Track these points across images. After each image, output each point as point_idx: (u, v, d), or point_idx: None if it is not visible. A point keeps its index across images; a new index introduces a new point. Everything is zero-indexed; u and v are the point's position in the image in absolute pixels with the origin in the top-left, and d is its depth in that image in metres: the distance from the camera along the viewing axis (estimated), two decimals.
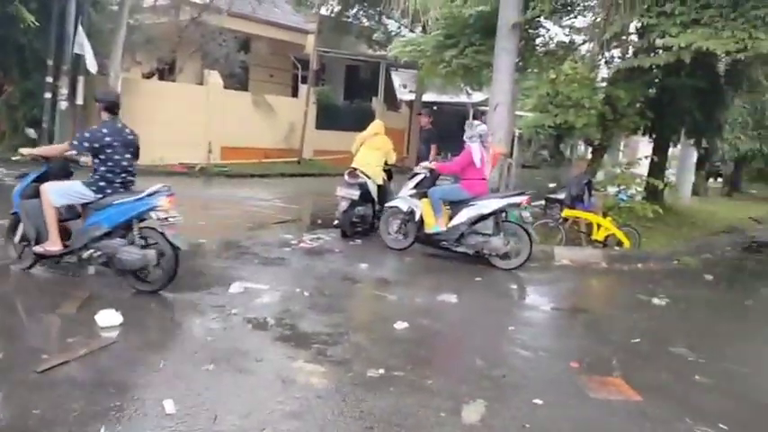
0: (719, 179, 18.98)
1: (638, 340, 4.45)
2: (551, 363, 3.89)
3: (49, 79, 11.99)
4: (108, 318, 3.83)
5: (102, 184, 4.55)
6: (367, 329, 4.37)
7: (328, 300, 4.83)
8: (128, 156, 4.68)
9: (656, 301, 5.64)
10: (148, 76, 15.06)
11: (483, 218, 6.33)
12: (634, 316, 5.26)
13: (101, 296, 4.42)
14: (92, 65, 11.84)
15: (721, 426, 3.10)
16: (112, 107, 4.73)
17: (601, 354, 4.15)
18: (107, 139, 4.53)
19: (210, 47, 14.59)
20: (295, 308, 4.53)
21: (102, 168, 4.54)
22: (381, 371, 3.44)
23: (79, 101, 12.24)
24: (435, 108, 17.99)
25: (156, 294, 4.51)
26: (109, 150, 4.53)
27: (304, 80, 17.12)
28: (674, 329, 4.93)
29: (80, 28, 11.71)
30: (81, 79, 12.25)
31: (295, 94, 17.58)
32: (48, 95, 12.09)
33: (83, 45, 11.63)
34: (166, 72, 15.87)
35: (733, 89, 10.91)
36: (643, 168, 11.28)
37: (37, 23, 11.01)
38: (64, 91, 11.93)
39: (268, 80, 18.17)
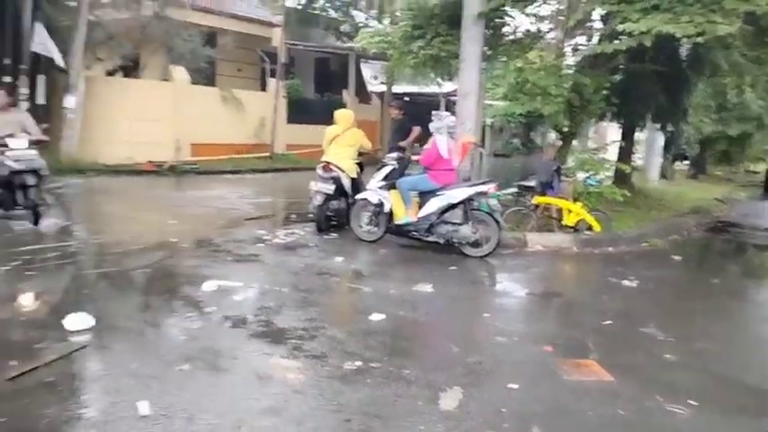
0: (686, 162, 19.46)
1: (609, 322, 4.55)
2: (526, 347, 3.95)
3: (8, 79, 11.61)
4: (77, 321, 3.75)
5: None
6: (343, 323, 4.37)
7: (303, 295, 4.80)
8: None
9: (626, 282, 5.77)
10: (111, 73, 14.67)
11: (452, 207, 6.40)
12: (605, 298, 5.38)
13: (71, 299, 4.32)
14: (59, 60, 11.60)
15: (691, 402, 3.19)
16: None
17: (574, 337, 4.23)
18: None
19: (175, 42, 14.27)
20: (270, 304, 4.50)
21: None
22: (358, 363, 3.44)
23: (41, 100, 11.90)
24: (407, 99, 17.99)
25: (129, 296, 4.41)
26: None
27: (273, 74, 16.91)
28: (645, 310, 5.05)
29: (39, 26, 11.36)
30: (41, 78, 11.90)
31: (264, 88, 17.35)
32: None
33: (45, 43, 11.31)
34: (130, 69, 15.48)
35: (696, 73, 11.18)
36: (612, 153, 11.52)
37: None
38: (24, 90, 11.57)
39: (236, 75, 17.89)
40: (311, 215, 7.43)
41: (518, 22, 10.60)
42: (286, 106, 16.59)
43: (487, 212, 6.46)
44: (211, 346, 3.64)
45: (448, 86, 19.55)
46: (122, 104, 12.97)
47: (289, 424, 2.76)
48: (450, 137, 6.53)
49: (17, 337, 3.74)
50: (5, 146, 6.33)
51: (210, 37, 15.76)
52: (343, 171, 7.22)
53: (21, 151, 6.39)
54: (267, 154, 15.62)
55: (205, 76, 15.46)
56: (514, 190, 9.36)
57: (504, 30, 10.39)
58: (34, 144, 6.59)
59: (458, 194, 6.37)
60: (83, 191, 10.12)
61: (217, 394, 3.02)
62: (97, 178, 11.36)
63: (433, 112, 6.81)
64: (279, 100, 15.98)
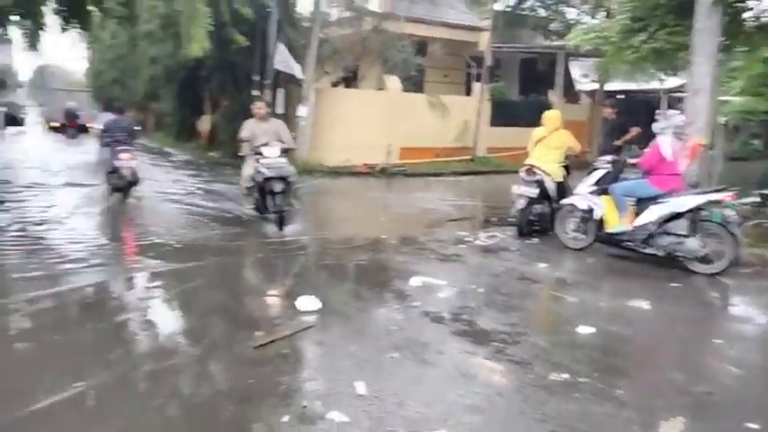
0: None
1: None
2: None
3: (255, 92, 13.68)
4: (307, 303, 4.28)
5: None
6: (547, 332, 4.24)
7: (505, 298, 4.78)
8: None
9: None
10: (335, 84, 16.31)
11: (676, 216, 5.73)
12: None
13: (302, 284, 4.95)
14: (300, 74, 13.35)
15: None
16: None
17: None
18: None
19: (390, 53, 15.30)
20: (471, 304, 4.58)
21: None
22: (565, 375, 3.31)
23: (279, 110, 13.76)
24: (621, 97, 16.64)
25: (347, 285, 4.88)
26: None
27: (478, 78, 17.07)
28: None
29: (281, 46, 13.17)
30: (281, 91, 13.79)
31: (468, 92, 17.60)
32: None
33: (286, 61, 13.08)
34: (350, 80, 17.02)
35: None
36: None
37: (248, 43, 12.67)
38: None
39: (442, 81, 18.46)
40: (512, 219, 7.33)
41: (764, 6, 9.08)
42: (489, 109, 16.62)
43: (720, 224, 5.64)
44: (418, 338, 3.84)
45: (671, 82, 17.55)
46: (343, 112, 14.34)
47: (493, 425, 2.79)
48: (677, 138, 5.87)
49: (262, 312, 4.40)
50: (260, 154, 7.20)
51: (421, 46, 16.52)
52: (547, 174, 6.98)
53: (273, 159, 7.07)
54: (469, 157, 15.82)
55: (414, 83, 16.26)
56: (756, 199, 8.03)
57: (745, 15, 8.99)
58: (284, 152, 7.29)
59: (685, 202, 5.68)
60: (314, 191, 11.37)
61: (424, 385, 3.18)
62: (322, 179, 12.73)
63: (658, 112, 6.20)
64: (483, 104, 16.07)
